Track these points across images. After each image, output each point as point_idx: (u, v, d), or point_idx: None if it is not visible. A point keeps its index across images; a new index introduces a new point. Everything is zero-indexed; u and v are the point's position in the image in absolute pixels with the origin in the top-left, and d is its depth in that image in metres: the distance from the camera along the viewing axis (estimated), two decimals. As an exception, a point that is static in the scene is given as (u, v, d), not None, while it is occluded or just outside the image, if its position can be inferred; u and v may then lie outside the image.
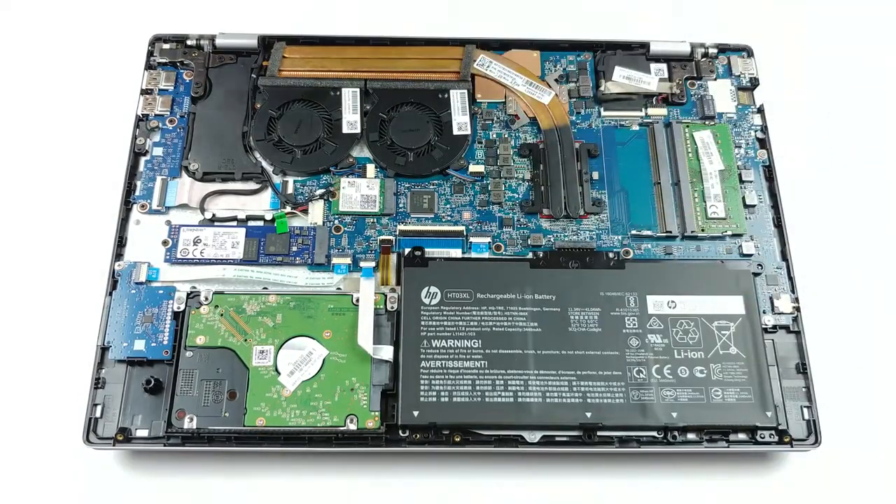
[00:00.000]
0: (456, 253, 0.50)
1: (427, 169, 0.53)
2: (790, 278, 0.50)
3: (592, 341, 0.47)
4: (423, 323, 0.47)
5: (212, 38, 0.56)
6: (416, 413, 0.45)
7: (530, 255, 0.50)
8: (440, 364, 0.46)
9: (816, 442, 0.46)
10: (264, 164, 0.53)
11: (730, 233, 0.51)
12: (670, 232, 0.51)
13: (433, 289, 0.48)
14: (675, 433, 0.45)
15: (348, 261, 0.50)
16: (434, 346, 0.46)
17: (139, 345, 0.47)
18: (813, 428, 0.46)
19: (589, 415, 0.45)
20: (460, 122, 0.54)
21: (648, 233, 0.51)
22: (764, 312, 0.49)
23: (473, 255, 0.50)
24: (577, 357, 0.46)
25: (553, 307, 0.47)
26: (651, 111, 0.55)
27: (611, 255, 0.49)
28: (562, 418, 0.45)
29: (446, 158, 0.53)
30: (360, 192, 0.52)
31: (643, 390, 0.45)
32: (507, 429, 0.45)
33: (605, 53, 0.57)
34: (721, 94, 0.56)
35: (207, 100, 0.54)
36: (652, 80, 0.56)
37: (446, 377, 0.45)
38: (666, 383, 0.46)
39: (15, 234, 0.53)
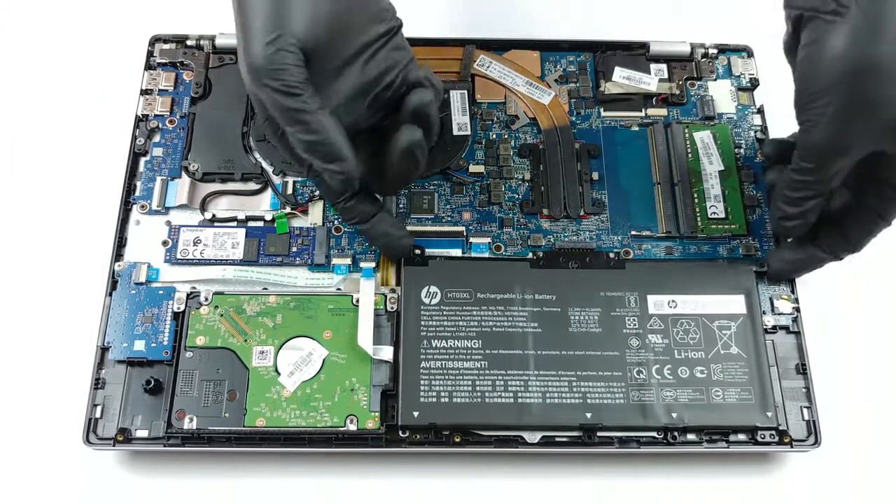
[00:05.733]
0: (456, 253, 0.50)
1: (427, 169, 0.52)
2: (790, 279, 0.50)
3: (592, 341, 0.46)
4: (423, 323, 0.47)
5: (212, 39, 0.56)
6: (416, 413, 0.45)
7: (530, 256, 0.50)
8: (440, 364, 0.46)
9: (816, 442, 0.46)
10: (264, 164, 0.52)
11: (730, 233, 0.51)
12: (670, 232, 0.51)
13: (433, 289, 0.48)
14: (676, 433, 0.45)
15: (348, 261, 0.50)
16: (434, 346, 0.46)
17: (139, 345, 0.47)
18: (813, 428, 0.46)
19: (589, 415, 0.45)
20: (460, 122, 0.54)
21: (648, 233, 0.51)
22: (764, 313, 0.49)
23: (473, 255, 0.50)
24: (578, 357, 0.46)
25: (553, 307, 0.47)
26: (651, 111, 0.55)
27: (611, 255, 0.49)
28: (562, 419, 0.45)
29: (446, 158, 0.53)
30: (360, 192, 0.52)
31: (643, 391, 0.45)
32: (507, 429, 0.45)
33: (605, 54, 0.57)
34: (721, 95, 0.56)
35: (207, 100, 0.54)
36: (652, 80, 0.56)
37: (446, 377, 0.45)
38: (666, 384, 0.46)
39: (15, 235, 0.53)
